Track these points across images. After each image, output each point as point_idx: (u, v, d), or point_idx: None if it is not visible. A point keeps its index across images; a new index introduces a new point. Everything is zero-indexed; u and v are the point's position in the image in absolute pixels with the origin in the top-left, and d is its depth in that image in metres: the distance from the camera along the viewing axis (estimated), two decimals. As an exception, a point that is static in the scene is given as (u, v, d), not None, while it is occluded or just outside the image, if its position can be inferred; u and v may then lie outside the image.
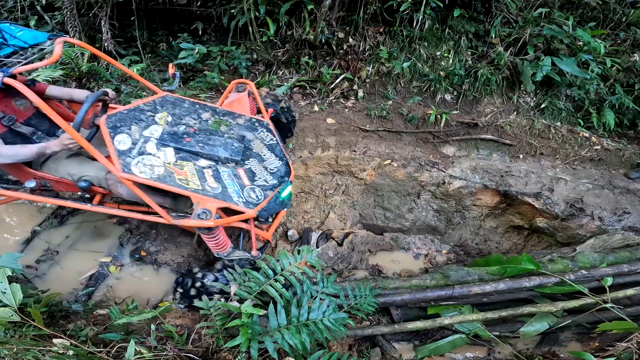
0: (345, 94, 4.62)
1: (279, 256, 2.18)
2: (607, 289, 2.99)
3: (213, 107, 2.82)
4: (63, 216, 3.43)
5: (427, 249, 4.06)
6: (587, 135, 4.45)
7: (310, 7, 4.25)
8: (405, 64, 4.45)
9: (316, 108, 4.40)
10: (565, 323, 2.99)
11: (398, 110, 4.46)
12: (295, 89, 4.59)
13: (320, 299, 2.11)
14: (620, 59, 4.53)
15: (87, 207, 2.51)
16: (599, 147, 4.38)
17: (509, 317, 2.98)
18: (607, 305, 2.85)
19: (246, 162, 2.55)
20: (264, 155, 2.66)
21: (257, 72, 4.69)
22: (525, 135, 4.39)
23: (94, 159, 2.61)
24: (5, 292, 1.61)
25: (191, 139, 2.48)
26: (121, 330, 2.16)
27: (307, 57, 4.64)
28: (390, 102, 4.52)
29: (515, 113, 4.51)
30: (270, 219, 2.55)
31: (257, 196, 2.39)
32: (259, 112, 3.16)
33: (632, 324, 2.77)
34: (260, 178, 2.51)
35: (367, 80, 4.61)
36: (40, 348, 1.67)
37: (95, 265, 3.09)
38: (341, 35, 4.57)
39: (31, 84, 2.57)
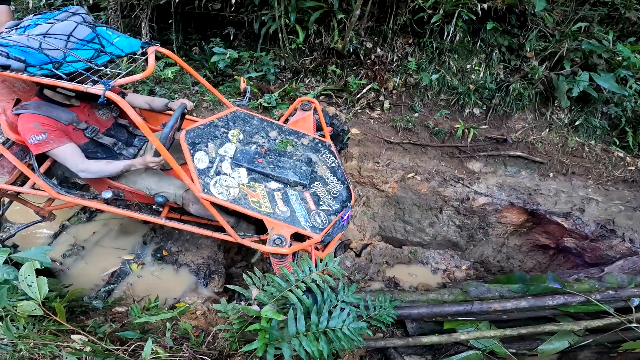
0: (371, 104, 4.60)
1: (301, 263, 2.17)
2: (633, 308, 2.92)
3: (279, 125, 2.87)
4: (92, 212, 3.53)
5: (446, 264, 3.98)
6: (621, 155, 4.27)
7: (339, 16, 4.27)
8: (434, 76, 4.40)
9: (341, 118, 4.39)
10: (586, 342, 2.91)
11: (424, 123, 4.40)
12: (321, 98, 4.60)
13: (341, 307, 2.09)
14: (659, 76, 4.34)
15: (161, 221, 2.54)
16: (633, 168, 4.20)
17: (528, 334, 2.91)
18: (632, 325, 2.79)
19: (311, 185, 2.58)
20: (327, 178, 2.70)
21: (284, 79, 4.74)
22: (557, 153, 4.25)
23: (168, 172, 2.68)
24: (31, 286, 1.65)
25: (263, 160, 2.53)
26: (138, 329, 2.19)
27: (334, 65, 4.65)
28: (416, 114, 4.47)
29: (547, 130, 4.37)
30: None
31: (322, 221, 2.43)
32: (318, 128, 3.18)
33: (656, 343, 2.68)
34: (324, 202, 2.54)
35: (394, 92, 4.58)
36: (58, 343, 1.70)
37: (117, 262, 3.16)
38: (369, 45, 4.56)
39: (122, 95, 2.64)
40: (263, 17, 4.41)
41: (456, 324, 3.02)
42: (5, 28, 2.14)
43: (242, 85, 2.85)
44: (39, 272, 1.75)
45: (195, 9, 4.53)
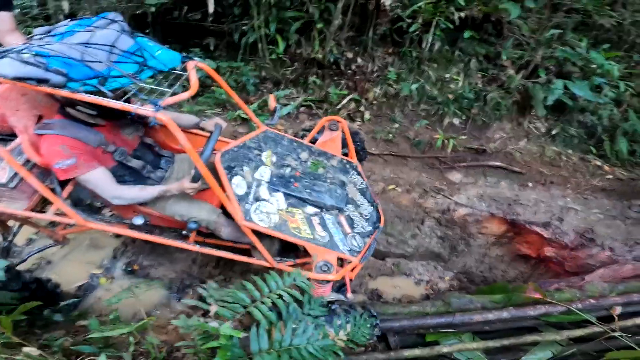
0: (352, 115, 4.59)
1: (267, 277, 2.10)
2: (616, 317, 2.87)
3: (309, 146, 2.83)
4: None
5: (429, 276, 3.93)
6: (599, 164, 4.31)
7: (320, 26, 4.29)
8: (414, 86, 4.42)
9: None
10: (570, 352, 2.87)
11: (404, 134, 4.41)
12: (301, 109, 4.58)
13: (307, 322, 2.01)
14: (634, 83, 4.40)
15: (195, 248, 2.43)
16: (611, 177, 4.23)
17: (511, 345, 2.86)
18: (616, 334, 2.74)
19: (345, 208, 2.56)
20: (358, 200, 2.68)
21: (264, 90, 4.71)
22: (535, 162, 4.28)
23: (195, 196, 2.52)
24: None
25: (298, 184, 2.50)
26: (100, 343, 2.09)
27: (315, 76, 4.65)
28: (396, 125, 4.47)
29: (525, 139, 4.40)
30: None
31: (358, 244, 2.41)
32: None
33: (640, 352, 2.64)
34: (358, 225, 2.53)
35: (374, 102, 4.58)
36: (8, 356, 1.62)
37: (86, 276, 3.05)
38: (350, 55, 4.58)
39: None
40: (243, 27, 4.41)
41: (439, 337, 2.96)
42: (36, 35, 1.88)
43: (272, 104, 2.74)
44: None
45: (175, 19, 4.51)
